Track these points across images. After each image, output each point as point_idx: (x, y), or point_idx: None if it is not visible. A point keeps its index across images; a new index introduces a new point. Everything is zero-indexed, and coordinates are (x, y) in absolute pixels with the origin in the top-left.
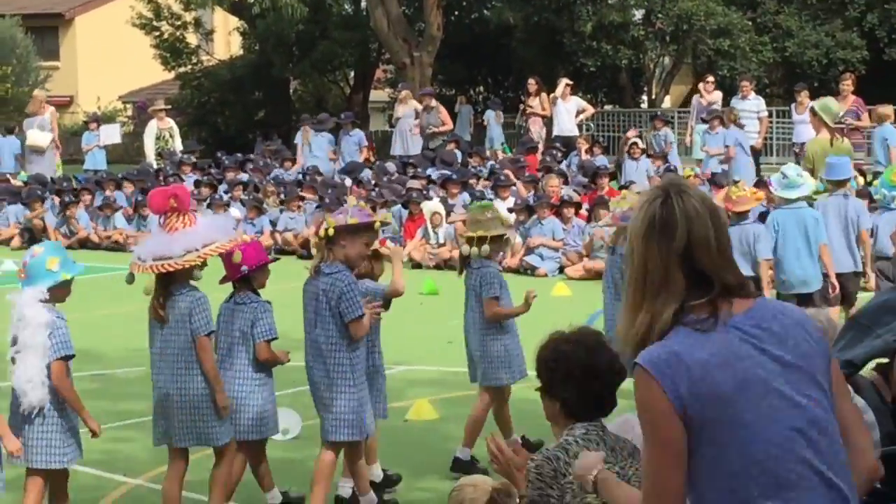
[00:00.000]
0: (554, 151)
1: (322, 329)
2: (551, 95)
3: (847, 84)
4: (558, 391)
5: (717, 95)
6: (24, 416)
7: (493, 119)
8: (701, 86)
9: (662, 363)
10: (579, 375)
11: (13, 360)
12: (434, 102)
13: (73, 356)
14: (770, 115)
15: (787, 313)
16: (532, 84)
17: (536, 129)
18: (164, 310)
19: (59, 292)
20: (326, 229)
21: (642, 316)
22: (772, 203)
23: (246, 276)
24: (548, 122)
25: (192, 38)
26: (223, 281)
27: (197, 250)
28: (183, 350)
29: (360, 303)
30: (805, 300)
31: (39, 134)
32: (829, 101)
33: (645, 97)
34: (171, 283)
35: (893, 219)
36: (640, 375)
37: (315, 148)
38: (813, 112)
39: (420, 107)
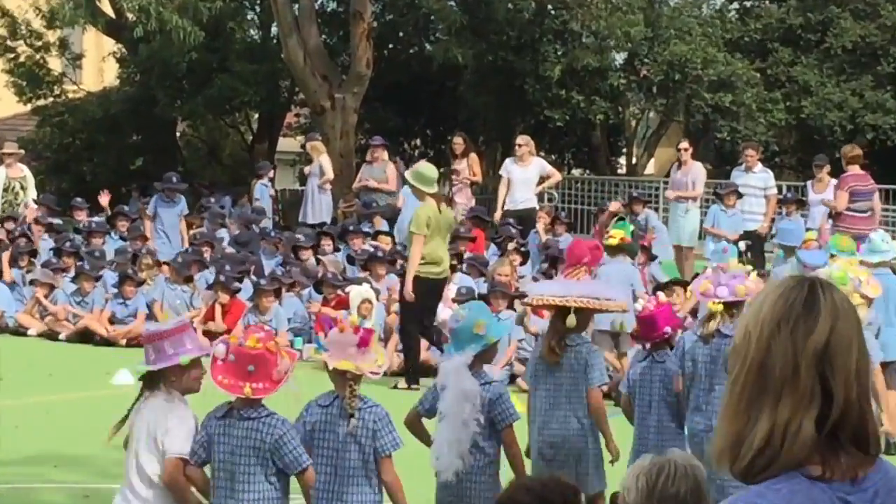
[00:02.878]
0: (509, 228)
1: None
2: (507, 159)
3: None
4: None
5: (697, 168)
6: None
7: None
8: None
9: None
10: None
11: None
12: (385, 156)
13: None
14: (780, 192)
15: None
16: (458, 143)
17: (463, 202)
18: (560, 354)
19: (487, 356)
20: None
21: (762, 424)
22: None
23: (666, 337)
24: (478, 189)
25: (55, 64)
26: (639, 339)
27: (604, 299)
28: (572, 396)
29: None
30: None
31: None
32: (421, 167)
33: (623, 161)
34: (568, 332)
35: None
36: None
37: (164, 220)
38: (408, 183)
39: (326, 161)
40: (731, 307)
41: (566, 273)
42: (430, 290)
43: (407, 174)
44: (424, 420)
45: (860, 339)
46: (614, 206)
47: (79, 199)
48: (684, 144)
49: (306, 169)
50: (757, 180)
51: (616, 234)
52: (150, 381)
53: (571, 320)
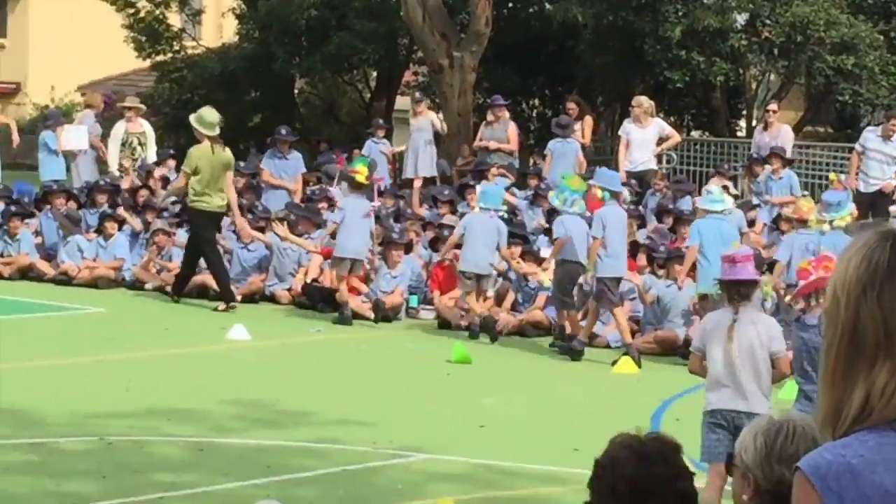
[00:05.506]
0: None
1: None
2: (625, 120)
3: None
4: None
5: (785, 131)
6: None
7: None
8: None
9: (832, 477)
10: (624, 491)
11: None
12: (506, 115)
13: None
14: None
15: None
16: (572, 107)
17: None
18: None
19: None
20: None
21: (858, 391)
22: None
23: None
24: (595, 150)
25: (175, 20)
26: None
27: None
28: None
29: None
30: None
31: None
32: (204, 111)
33: (743, 123)
34: None
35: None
36: (801, 483)
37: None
38: (192, 125)
39: (437, 120)
40: None
41: None
42: (208, 220)
43: (191, 118)
44: None
45: None
46: (715, 182)
47: None
48: (773, 106)
49: (412, 123)
50: (893, 149)
51: (362, 171)
52: (742, 296)
53: None
